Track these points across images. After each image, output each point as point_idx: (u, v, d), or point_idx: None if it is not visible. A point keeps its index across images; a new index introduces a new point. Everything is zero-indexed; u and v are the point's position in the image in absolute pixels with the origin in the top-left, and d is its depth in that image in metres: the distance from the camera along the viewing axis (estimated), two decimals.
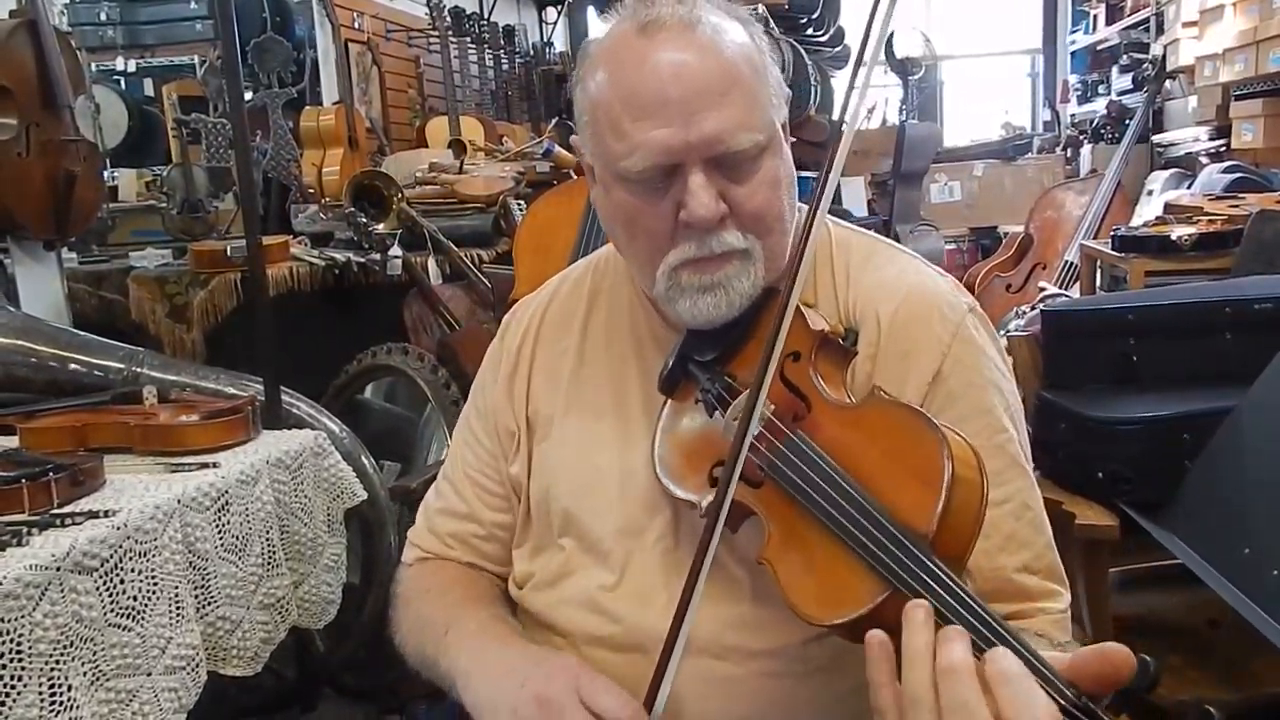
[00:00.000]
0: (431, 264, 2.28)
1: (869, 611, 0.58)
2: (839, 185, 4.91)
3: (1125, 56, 4.51)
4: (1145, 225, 2.43)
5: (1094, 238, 3.51)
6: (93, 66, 3.32)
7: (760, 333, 0.76)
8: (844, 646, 0.61)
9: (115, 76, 3.45)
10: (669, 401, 0.78)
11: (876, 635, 0.56)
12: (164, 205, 2.51)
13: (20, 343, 1.67)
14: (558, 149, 2.77)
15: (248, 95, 2.75)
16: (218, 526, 1.22)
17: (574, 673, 0.69)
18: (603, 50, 0.75)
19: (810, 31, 4.46)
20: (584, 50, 0.79)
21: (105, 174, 2.84)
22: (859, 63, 0.67)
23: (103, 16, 3.45)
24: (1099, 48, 5.12)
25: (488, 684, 0.72)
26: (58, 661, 0.94)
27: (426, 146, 3.45)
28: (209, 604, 1.20)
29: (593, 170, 0.79)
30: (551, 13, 5.27)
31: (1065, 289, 3.54)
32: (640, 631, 0.76)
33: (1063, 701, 0.52)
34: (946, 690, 0.52)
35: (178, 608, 1.12)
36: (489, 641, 0.76)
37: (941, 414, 0.73)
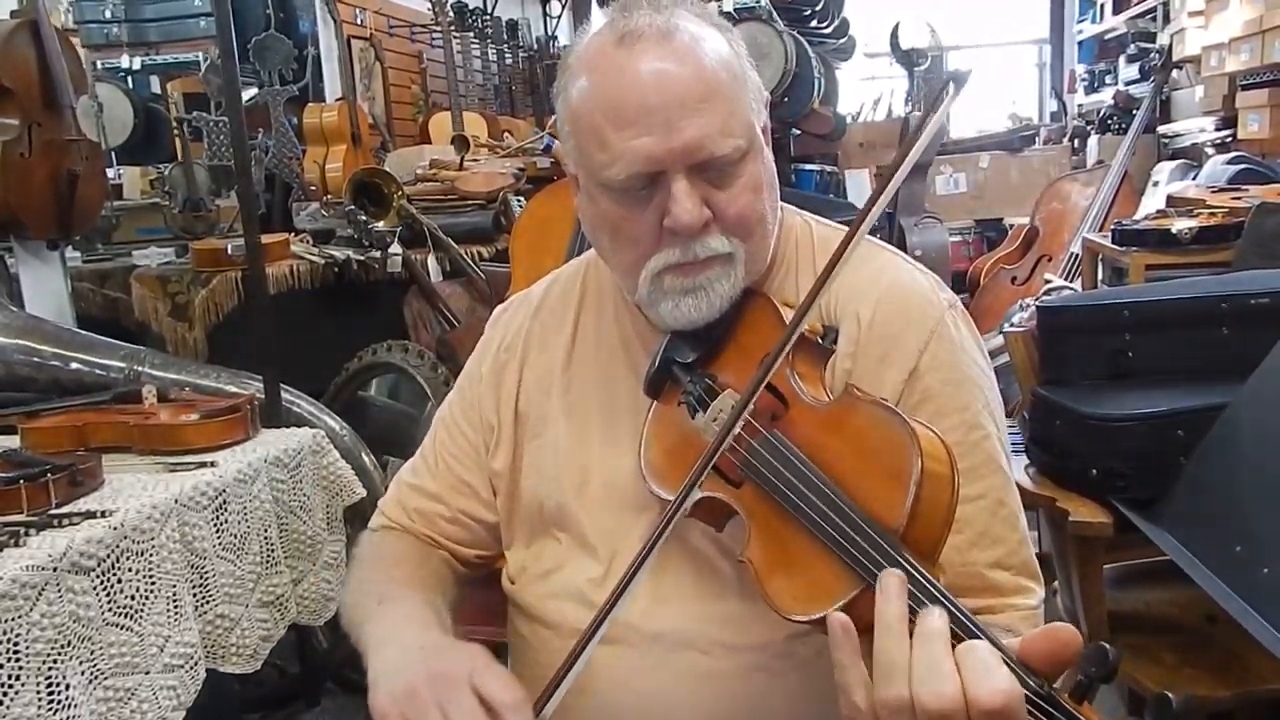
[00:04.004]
0: (431, 261, 2.30)
1: (842, 607, 0.59)
2: (844, 177, 4.86)
3: (1132, 46, 4.46)
4: (1146, 219, 2.41)
5: (1100, 229, 3.48)
6: (98, 64, 3.34)
7: (739, 334, 0.77)
8: (828, 642, 0.62)
9: (121, 74, 3.46)
10: (655, 404, 0.79)
11: (838, 618, 0.57)
12: (166, 203, 2.53)
13: (23, 342, 1.69)
14: (555, 148, 2.77)
15: (250, 92, 2.77)
16: (216, 525, 1.23)
17: (474, 660, 0.69)
18: (582, 61, 0.75)
19: (814, 24, 4.44)
20: (564, 61, 0.79)
21: (110, 171, 2.86)
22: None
23: (107, 14, 3.46)
24: (1106, 37, 5.06)
25: (394, 657, 0.72)
26: (55, 661, 0.96)
27: (430, 142, 3.46)
28: (207, 602, 1.21)
29: (576, 179, 0.80)
30: (555, 6, 5.26)
31: (1071, 281, 3.51)
32: (624, 625, 0.76)
33: (1027, 691, 0.53)
34: (919, 651, 0.53)
35: (176, 606, 1.13)
36: (411, 623, 0.76)
37: (918, 410, 0.74)
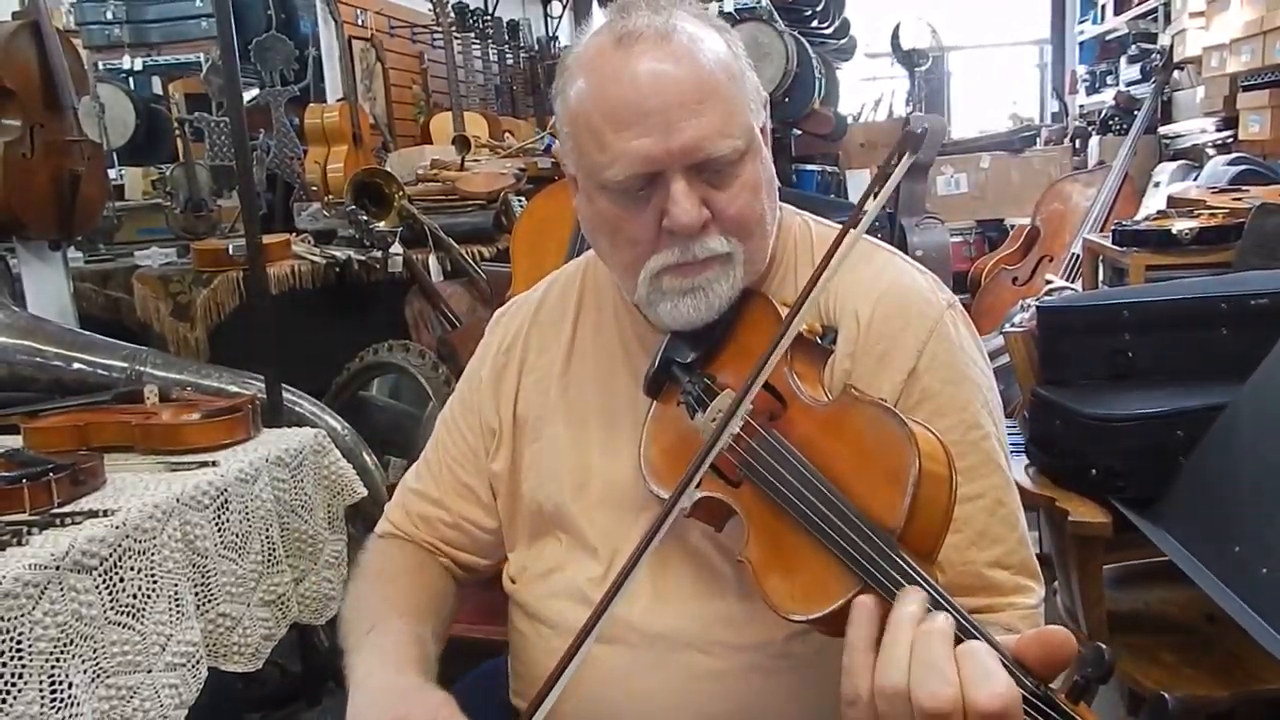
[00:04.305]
0: (432, 261, 2.30)
1: (840, 606, 0.59)
2: (845, 177, 4.86)
3: (1134, 47, 4.46)
4: (1147, 219, 2.42)
5: (1101, 230, 3.48)
6: (99, 65, 3.35)
7: (738, 334, 0.77)
8: (827, 642, 0.62)
9: (122, 74, 3.46)
10: (654, 404, 0.80)
11: (868, 600, 0.58)
12: (168, 204, 2.53)
13: (25, 342, 1.70)
14: (557, 144, 2.77)
15: (251, 93, 2.77)
16: (217, 524, 1.24)
17: (439, 709, 0.70)
18: (581, 62, 0.76)
19: (815, 24, 4.45)
20: (562, 62, 0.79)
21: (112, 172, 2.87)
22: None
23: (109, 15, 3.46)
24: (1108, 38, 5.06)
25: (365, 698, 0.73)
26: (58, 659, 0.96)
27: (431, 142, 3.46)
28: (209, 601, 1.22)
29: (575, 180, 0.80)
30: (556, 7, 5.26)
31: (1072, 281, 3.51)
32: (624, 625, 0.77)
33: (1023, 691, 0.53)
34: (920, 649, 0.54)
35: (177, 605, 1.13)
36: (390, 662, 0.76)
37: (917, 410, 0.74)
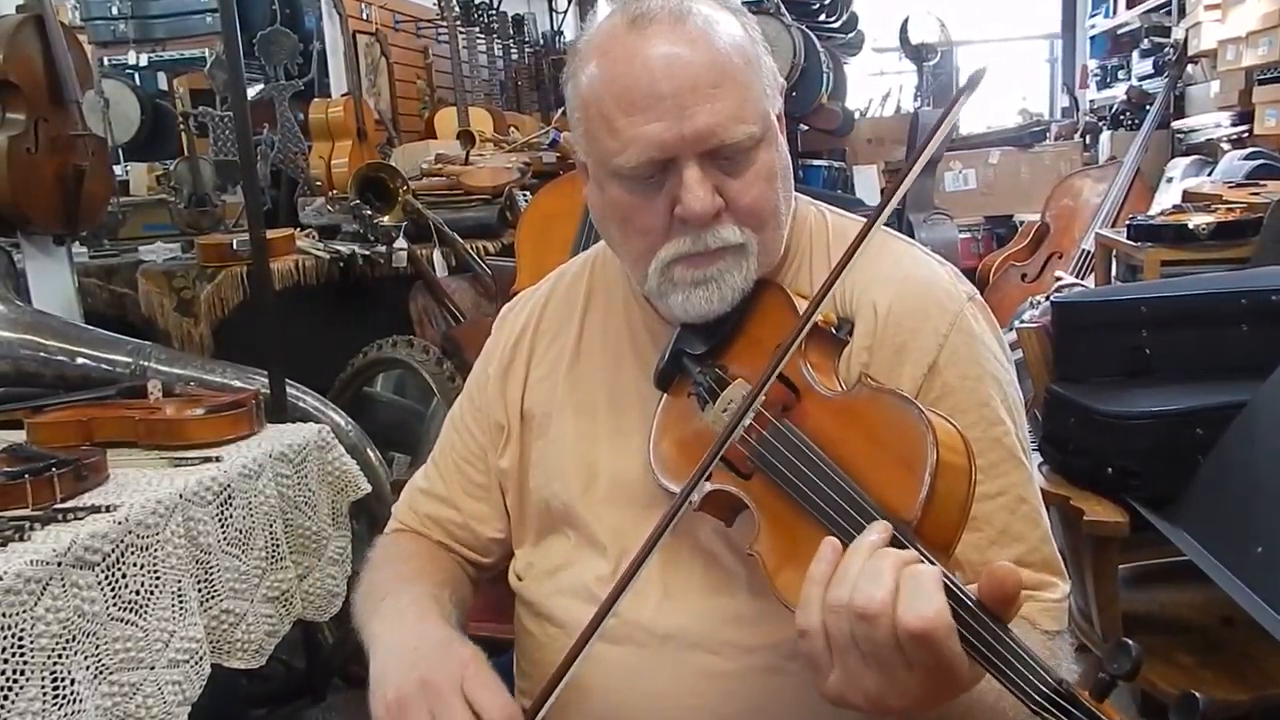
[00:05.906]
0: (437, 256, 2.28)
1: None
2: (852, 173, 4.83)
3: (1146, 40, 4.42)
4: (1162, 214, 2.39)
5: (1112, 226, 3.45)
6: (105, 61, 3.34)
7: (751, 325, 0.76)
8: None
9: (128, 70, 3.46)
10: (665, 397, 0.78)
11: (831, 540, 0.59)
12: (172, 199, 2.53)
13: (29, 337, 1.69)
14: (563, 138, 2.76)
15: (256, 88, 2.76)
16: (220, 520, 1.23)
17: (465, 664, 0.69)
18: (593, 45, 0.74)
19: (823, 18, 4.42)
20: (574, 46, 0.78)
21: (117, 168, 2.86)
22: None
23: (114, 10, 3.46)
24: (1119, 32, 5.02)
25: (388, 657, 0.71)
26: (60, 656, 0.95)
27: (435, 138, 3.45)
28: (212, 597, 1.21)
29: (586, 168, 0.78)
30: (561, 1, 5.24)
31: (1082, 278, 3.49)
32: (633, 625, 0.75)
33: (1045, 689, 0.52)
34: (869, 564, 0.56)
35: (180, 601, 1.12)
36: (409, 617, 0.75)
37: (937, 405, 0.73)
